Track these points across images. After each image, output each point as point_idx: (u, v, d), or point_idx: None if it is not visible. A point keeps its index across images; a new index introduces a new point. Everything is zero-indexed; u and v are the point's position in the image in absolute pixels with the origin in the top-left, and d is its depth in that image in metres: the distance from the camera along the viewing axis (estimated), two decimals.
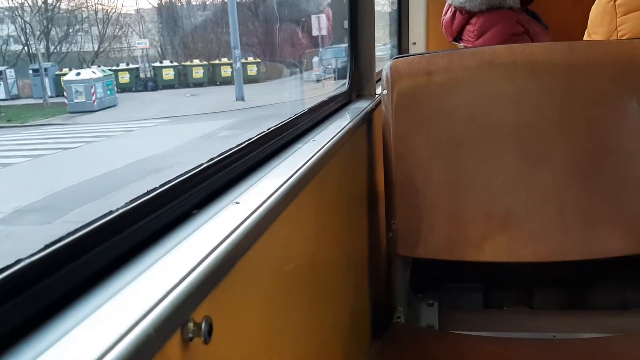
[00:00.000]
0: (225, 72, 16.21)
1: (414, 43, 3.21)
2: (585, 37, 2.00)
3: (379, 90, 1.94)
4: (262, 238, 0.78)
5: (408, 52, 3.13)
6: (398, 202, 1.65)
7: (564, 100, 1.59)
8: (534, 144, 1.60)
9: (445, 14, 2.61)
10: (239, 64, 14.04)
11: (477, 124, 1.62)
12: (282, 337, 0.94)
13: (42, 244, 0.53)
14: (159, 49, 18.16)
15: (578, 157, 1.60)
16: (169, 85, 16.30)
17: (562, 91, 1.59)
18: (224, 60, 16.40)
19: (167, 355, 0.54)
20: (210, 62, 16.67)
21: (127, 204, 0.67)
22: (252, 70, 16.42)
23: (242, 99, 13.76)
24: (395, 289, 1.77)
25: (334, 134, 1.31)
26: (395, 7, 3.19)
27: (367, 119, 1.70)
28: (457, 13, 2.53)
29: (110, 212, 0.63)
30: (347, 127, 1.42)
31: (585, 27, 2.03)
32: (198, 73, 16.43)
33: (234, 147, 0.96)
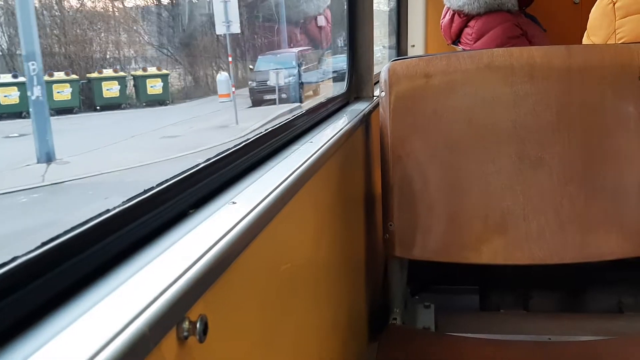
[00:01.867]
0: (110, 89, 10.22)
1: (413, 45, 3.22)
2: (585, 39, 2.00)
3: (377, 93, 1.95)
4: (258, 238, 0.79)
5: (407, 55, 3.14)
6: (395, 204, 1.66)
7: (561, 103, 1.60)
8: (531, 147, 1.60)
9: (444, 17, 2.62)
10: (38, 91, 6.52)
11: (474, 127, 1.63)
12: (278, 337, 0.95)
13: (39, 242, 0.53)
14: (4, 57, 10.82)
15: (575, 161, 1.60)
16: (12, 114, 9.68)
17: (560, 94, 1.60)
18: (108, 72, 10.37)
19: (162, 353, 0.55)
20: (89, 75, 10.38)
21: (123, 203, 0.67)
22: (154, 87, 10.69)
23: (49, 160, 6.89)
24: (392, 291, 1.77)
25: (332, 136, 1.31)
26: (392, 5, 3.20)
27: (364, 121, 1.71)
28: (456, 16, 2.54)
29: (107, 211, 0.64)
30: (344, 128, 1.42)
31: (583, 30, 2.04)
32: (63, 93, 9.83)
33: (232, 148, 0.96)
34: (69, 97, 9.92)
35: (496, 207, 1.62)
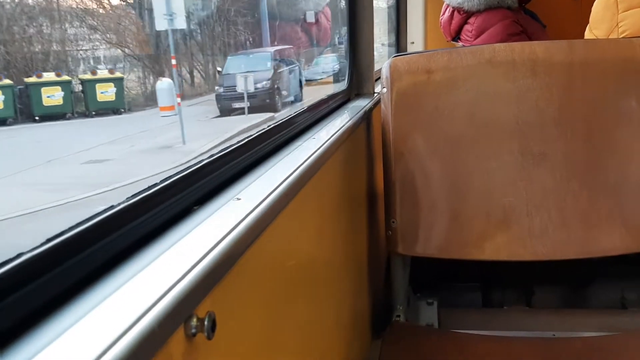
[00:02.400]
0: (51, 96, 8.28)
1: (412, 42, 3.21)
2: (587, 33, 2.00)
3: (377, 89, 1.94)
4: (264, 235, 0.78)
5: (406, 51, 3.13)
6: (397, 200, 1.65)
7: (564, 98, 1.59)
8: (533, 143, 1.60)
9: (444, 13, 2.61)
10: None
11: (476, 123, 1.62)
12: (284, 334, 0.94)
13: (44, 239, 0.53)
14: None
15: (577, 156, 1.60)
16: None
17: (562, 90, 1.59)
18: (50, 76, 8.35)
19: (171, 350, 0.54)
20: (27, 79, 8.29)
21: (128, 199, 0.66)
22: (105, 93, 8.70)
23: None
24: (395, 288, 1.76)
25: (334, 132, 1.30)
26: (391, 2, 3.19)
27: (366, 118, 1.70)
28: (455, 13, 2.53)
29: (112, 207, 0.63)
30: (346, 125, 1.42)
31: (583, 26, 2.03)
32: None
33: (235, 144, 0.95)
34: (1, 107, 7.78)
35: (499, 204, 1.61)
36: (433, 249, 1.66)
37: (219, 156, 0.89)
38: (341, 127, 1.37)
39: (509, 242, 1.62)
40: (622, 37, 1.85)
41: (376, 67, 2.04)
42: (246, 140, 1.00)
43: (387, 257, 1.84)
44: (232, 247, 0.67)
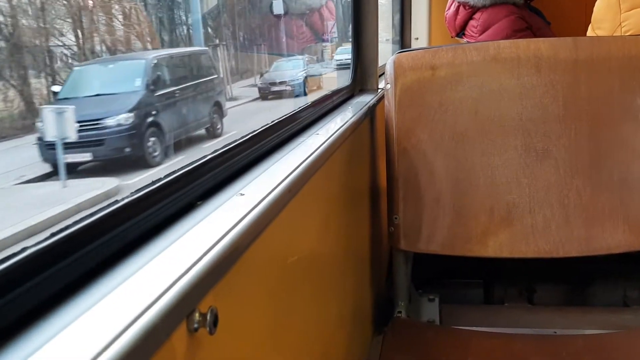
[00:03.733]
0: None
1: (417, 38, 3.20)
2: (589, 32, 1.99)
3: (381, 85, 1.94)
4: (267, 230, 0.78)
5: (410, 47, 3.12)
6: (400, 196, 1.65)
7: (568, 95, 1.59)
8: (537, 139, 1.59)
9: (449, 8, 2.60)
10: None
11: (480, 119, 1.62)
12: (286, 329, 0.94)
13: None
14: None
15: (581, 153, 1.59)
16: None
17: (566, 87, 1.59)
18: None
19: (174, 345, 0.54)
20: None
21: (132, 194, 0.66)
22: None
23: None
24: (397, 284, 1.76)
25: (338, 128, 1.30)
26: None
27: (370, 113, 1.70)
28: (461, 8, 2.53)
29: (116, 202, 0.63)
30: (350, 121, 1.42)
31: (587, 23, 2.02)
32: None
33: (239, 139, 0.95)
34: None
35: (502, 200, 1.61)
36: (435, 245, 1.66)
37: (223, 152, 0.89)
38: (345, 123, 1.37)
39: (512, 238, 1.62)
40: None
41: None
42: (250, 135, 1.00)
43: (389, 253, 1.84)
44: (235, 242, 0.67)
